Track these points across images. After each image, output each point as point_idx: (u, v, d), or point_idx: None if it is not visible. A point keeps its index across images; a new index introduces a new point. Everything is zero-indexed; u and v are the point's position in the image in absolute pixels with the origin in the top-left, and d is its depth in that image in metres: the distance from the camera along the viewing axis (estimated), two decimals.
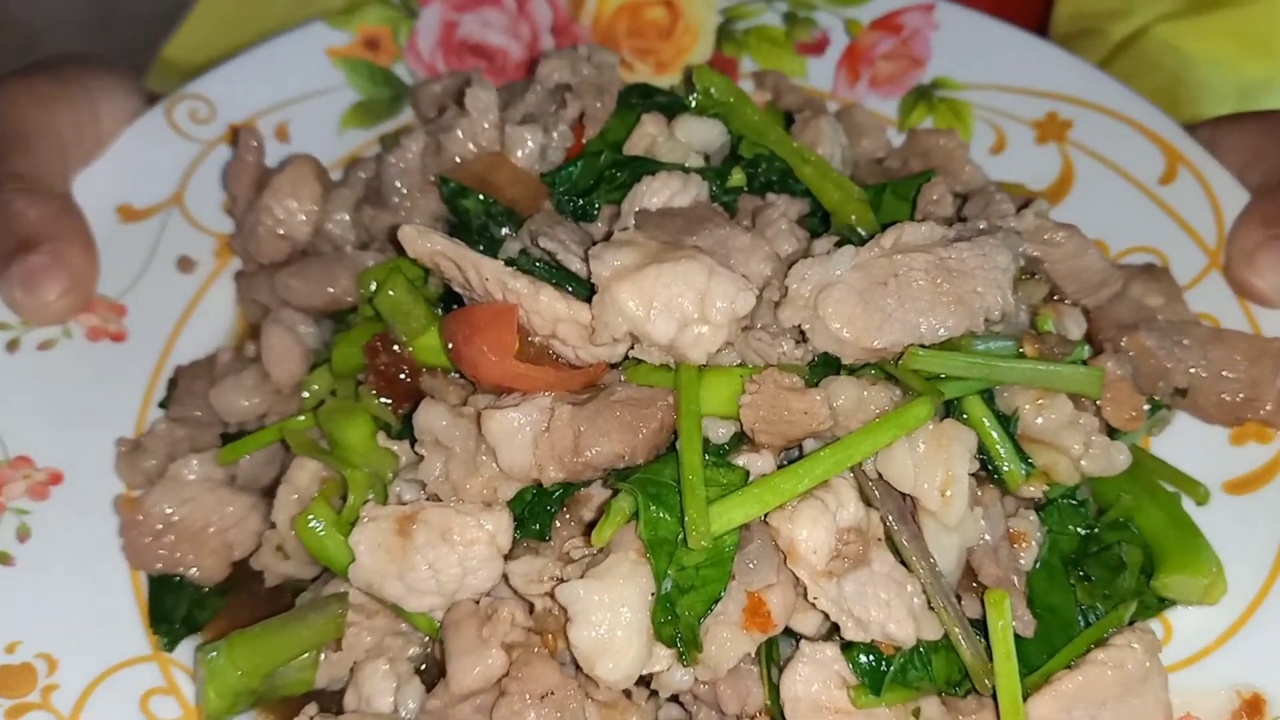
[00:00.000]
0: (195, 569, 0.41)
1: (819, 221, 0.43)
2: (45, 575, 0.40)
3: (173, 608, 0.40)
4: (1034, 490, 0.37)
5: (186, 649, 0.40)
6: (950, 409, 0.36)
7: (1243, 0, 0.67)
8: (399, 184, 0.43)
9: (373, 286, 0.41)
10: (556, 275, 0.37)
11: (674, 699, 0.37)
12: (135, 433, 0.44)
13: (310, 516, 0.37)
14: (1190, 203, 0.48)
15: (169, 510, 0.40)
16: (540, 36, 0.57)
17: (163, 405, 0.45)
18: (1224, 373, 0.41)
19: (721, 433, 0.36)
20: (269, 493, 0.43)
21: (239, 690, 0.36)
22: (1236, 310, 0.45)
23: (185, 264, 0.49)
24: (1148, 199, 0.49)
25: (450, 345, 0.37)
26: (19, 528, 0.41)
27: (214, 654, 0.36)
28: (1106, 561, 0.37)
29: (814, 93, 0.55)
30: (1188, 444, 0.42)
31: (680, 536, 0.33)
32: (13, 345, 0.45)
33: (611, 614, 0.33)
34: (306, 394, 0.43)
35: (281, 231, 0.44)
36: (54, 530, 0.41)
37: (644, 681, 0.37)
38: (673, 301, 0.34)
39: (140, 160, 0.50)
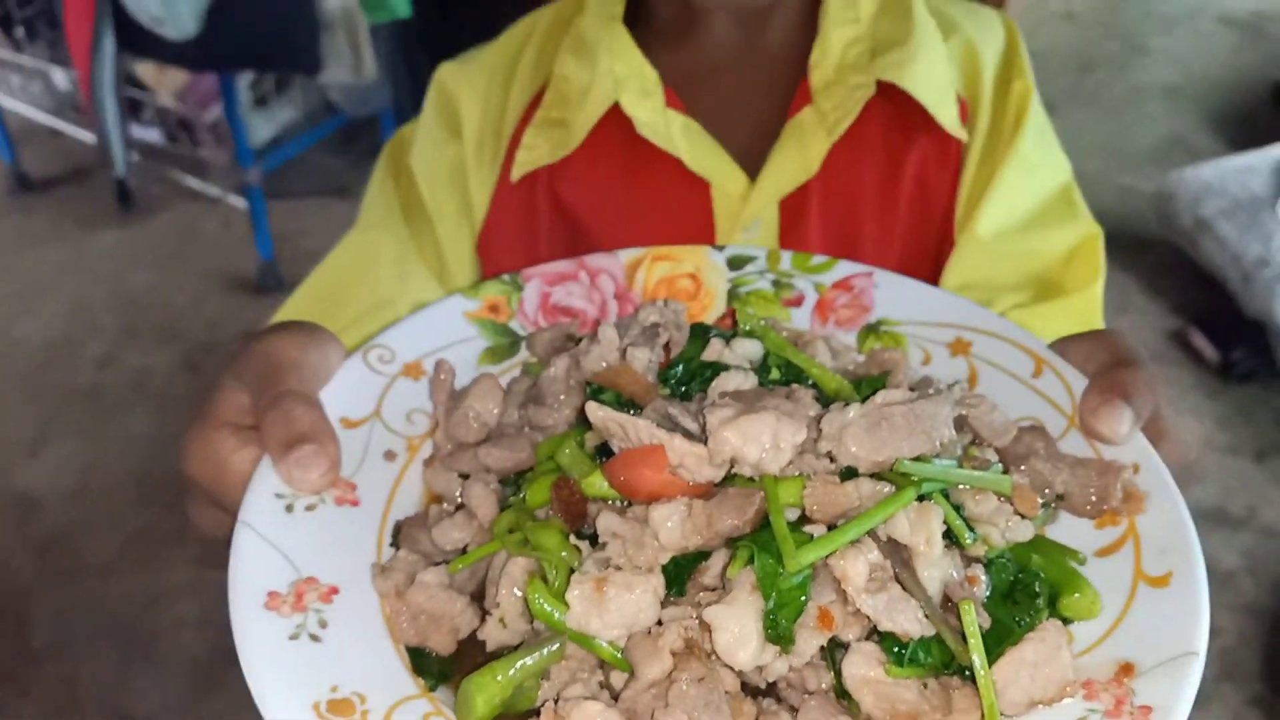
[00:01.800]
0: (434, 643, 0.60)
1: (823, 402, 0.67)
2: (343, 647, 0.58)
3: (427, 666, 0.59)
4: (979, 550, 0.60)
5: (440, 694, 0.59)
6: (923, 499, 0.59)
7: (1069, 291, 0.89)
8: (554, 389, 0.67)
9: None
10: (678, 430, 0.60)
11: (770, 694, 0.57)
12: (378, 562, 0.64)
13: (535, 593, 0.58)
14: (1053, 388, 0.72)
15: (420, 601, 0.60)
16: (607, 301, 0.80)
17: (393, 545, 0.66)
18: (1084, 484, 0.65)
19: (791, 515, 0.58)
20: (474, 598, 0.63)
21: (498, 699, 0.55)
22: (1088, 450, 0.68)
23: (389, 455, 0.70)
24: (1026, 388, 0.73)
25: (616, 473, 0.59)
26: (319, 620, 0.60)
27: (484, 675, 0.55)
28: (1028, 593, 0.59)
29: (798, 331, 0.80)
30: (1069, 531, 0.65)
31: (779, 572, 0.54)
32: (290, 508, 0.64)
33: (739, 624, 0.53)
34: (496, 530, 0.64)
35: (481, 420, 0.66)
36: (341, 621, 0.60)
37: (749, 691, 0.57)
38: (758, 437, 0.57)
39: (351, 387, 0.72)
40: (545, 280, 0.81)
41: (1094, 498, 0.64)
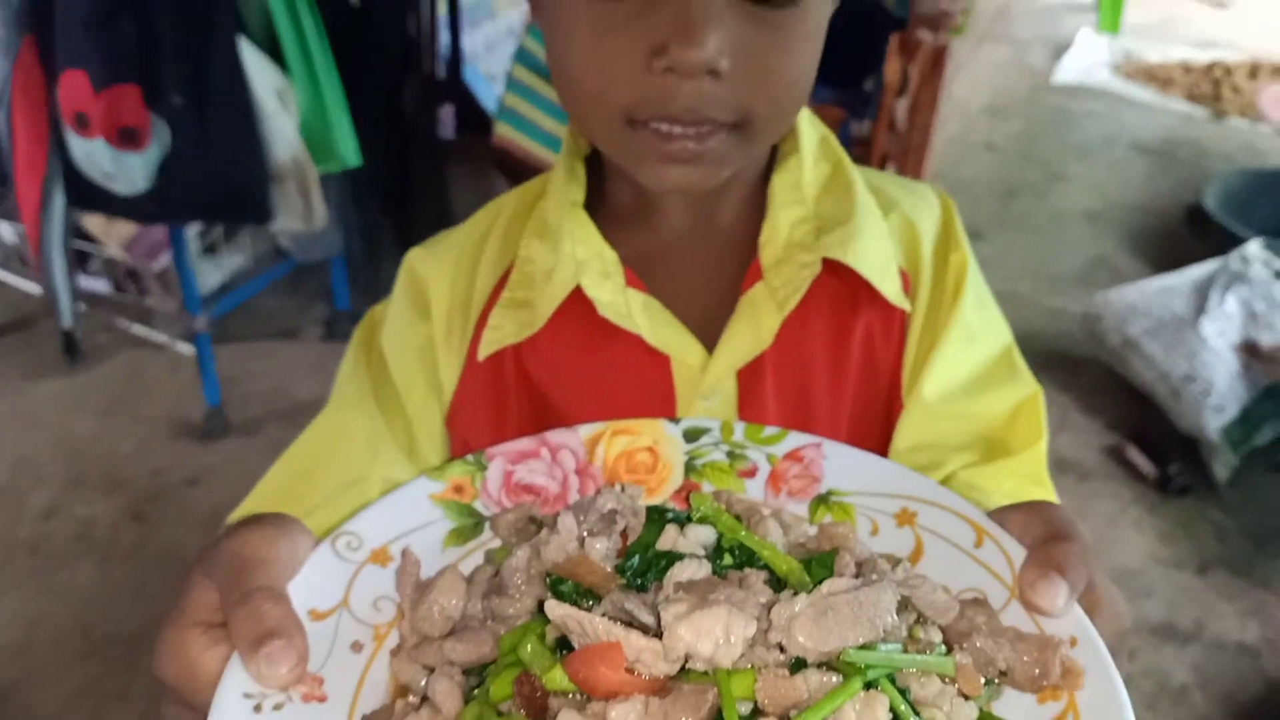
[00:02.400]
0: None
1: (775, 584, 0.70)
2: None
3: None
4: None
5: None
6: (869, 686, 0.62)
7: (1016, 450, 0.92)
8: (515, 579, 0.69)
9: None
10: (634, 624, 0.63)
11: None
12: None
13: None
14: (994, 558, 0.75)
15: None
16: (569, 476, 0.82)
17: None
18: (1025, 659, 0.67)
19: (744, 708, 0.60)
20: None
21: None
22: (1028, 622, 0.71)
23: (356, 646, 0.71)
24: (968, 558, 0.75)
25: (576, 670, 0.61)
26: None
27: None
28: None
29: (752, 501, 0.81)
30: (1013, 706, 0.68)
31: None
32: (258, 708, 0.65)
33: None
34: None
35: (446, 614, 0.68)
36: None
37: None
38: (710, 631, 0.60)
39: (319, 578, 0.73)
40: (508, 459, 0.84)
41: (1035, 673, 0.66)
